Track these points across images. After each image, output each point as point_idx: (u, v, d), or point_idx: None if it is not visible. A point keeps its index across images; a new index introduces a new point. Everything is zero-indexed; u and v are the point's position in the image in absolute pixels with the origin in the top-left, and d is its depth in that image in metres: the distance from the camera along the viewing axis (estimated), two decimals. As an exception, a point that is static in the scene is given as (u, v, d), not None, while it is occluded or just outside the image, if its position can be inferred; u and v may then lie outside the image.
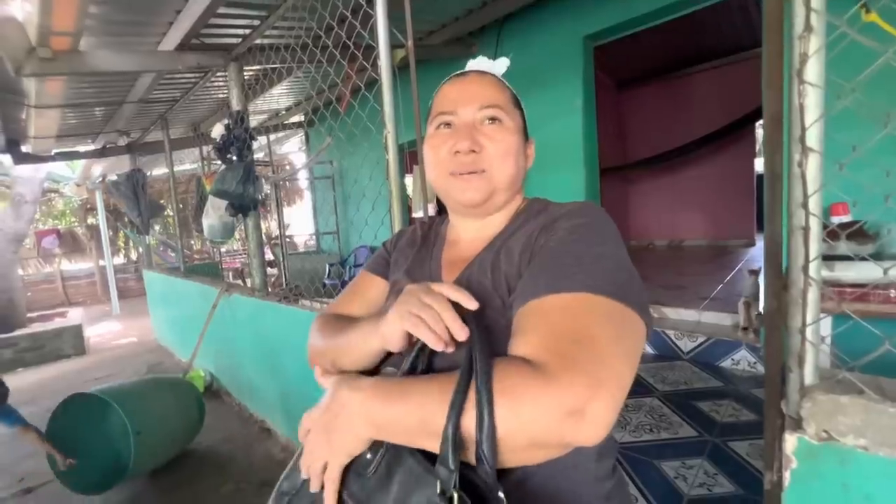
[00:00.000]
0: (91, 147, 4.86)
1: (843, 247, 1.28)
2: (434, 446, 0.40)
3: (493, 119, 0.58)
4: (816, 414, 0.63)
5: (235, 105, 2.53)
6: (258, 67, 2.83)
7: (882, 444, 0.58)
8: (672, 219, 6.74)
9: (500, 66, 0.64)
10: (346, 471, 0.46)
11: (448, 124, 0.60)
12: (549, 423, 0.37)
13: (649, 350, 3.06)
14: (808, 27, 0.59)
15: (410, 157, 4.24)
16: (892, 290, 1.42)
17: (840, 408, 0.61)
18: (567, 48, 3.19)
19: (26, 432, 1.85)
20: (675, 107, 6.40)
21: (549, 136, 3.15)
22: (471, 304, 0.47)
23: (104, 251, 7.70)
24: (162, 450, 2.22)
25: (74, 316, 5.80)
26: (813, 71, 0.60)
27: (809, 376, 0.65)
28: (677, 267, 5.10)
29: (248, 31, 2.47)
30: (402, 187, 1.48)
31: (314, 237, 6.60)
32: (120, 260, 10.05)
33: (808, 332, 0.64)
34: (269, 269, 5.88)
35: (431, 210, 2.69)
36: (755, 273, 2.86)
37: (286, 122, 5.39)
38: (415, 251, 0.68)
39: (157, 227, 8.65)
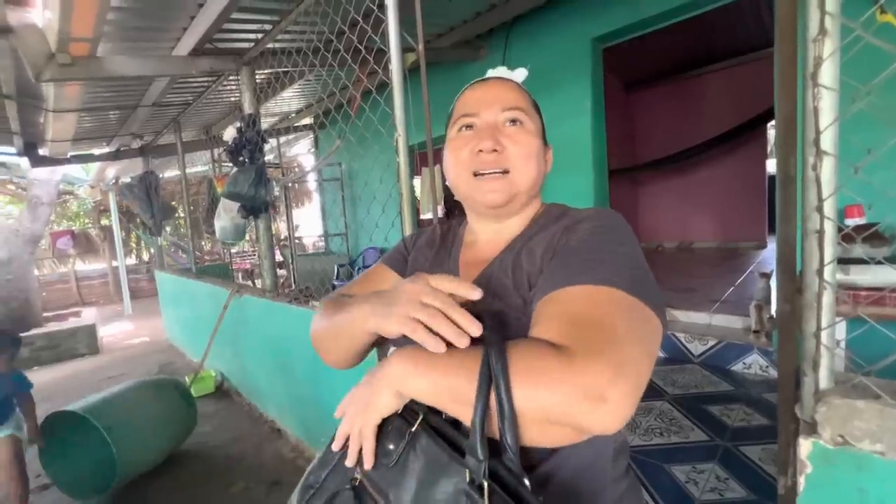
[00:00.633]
0: (105, 150, 4.95)
1: (859, 250, 1.27)
2: (462, 414, 0.42)
3: (514, 121, 0.59)
4: (831, 418, 0.62)
5: (247, 108, 2.56)
6: (270, 71, 2.86)
7: (899, 449, 0.57)
8: (682, 220, 6.68)
9: (520, 75, 0.65)
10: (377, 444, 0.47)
11: (470, 126, 0.61)
12: (567, 402, 0.37)
13: (660, 353, 3.04)
14: (822, 30, 0.59)
15: (420, 158, 4.26)
16: (909, 294, 1.39)
17: (856, 412, 0.60)
18: (575, 50, 3.18)
19: (28, 403, 1.99)
20: (685, 108, 6.35)
21: (558, 138, 3.11)
22: (473, 294, 0.47)
23: (117, 252, 7.83)
24: (146, 451, 2.29)
25: (88, 316, 5.90)
26: (828, 74, 0.60)
27: (824, 380, 0.65)
28: (687, 269, 5.05)
29: (260, 36, 2.50)
30: (412, 189, 1.49)
31: (323, 238, 6.64)
32: (132, 261, 10.21)
33: (823, 335, 0.63)
34: (278, 271, 5.93)
35: (440, 211, 2.70)
36: (766, 276, 2.82)
37: (296, 124, 5.44)
38: (433, 252, 0.69)
39: (168, 229, 8.77)
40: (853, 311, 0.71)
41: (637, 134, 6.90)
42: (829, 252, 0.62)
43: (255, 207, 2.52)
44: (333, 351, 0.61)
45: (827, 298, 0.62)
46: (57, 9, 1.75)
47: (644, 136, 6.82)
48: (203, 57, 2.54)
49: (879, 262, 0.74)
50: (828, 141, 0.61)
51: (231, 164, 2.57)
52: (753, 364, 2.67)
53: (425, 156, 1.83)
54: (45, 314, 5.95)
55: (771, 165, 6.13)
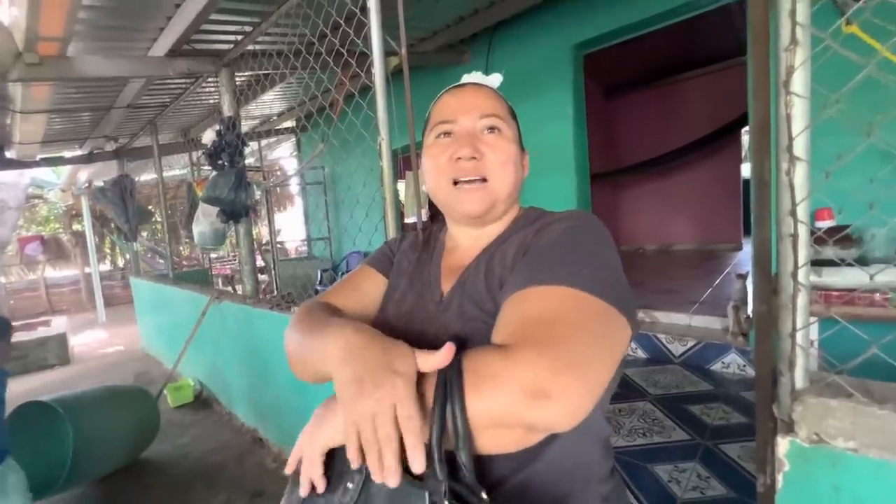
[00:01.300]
0: (78, 152, 4.78)
1: (830, 252, 1.31)
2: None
3: (492, 128, 0.59)
4: (807, 417, 0.64)
5: (227, 111, 2.51)
6: (250, 73, 2.82)
7: (871, 445, 0.59)
8: (661, 224, 6.83)
9: (495, 80, 0.65)
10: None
11: (448, 133, 0.60)
12: (511, 401, 0.37)
13: (641, 354, 3.09)
14: (794, 40, 0.61)
15: (404, 162, 4.25)
16: (878, 294, 1.45)
17: (830, 411, 0.62)
18: (557, 56, 3.23)
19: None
20: (663, 113, 6.51)
21: (540, 143, 3.17)
22: (437, 365, 0.42)
23: (90, 258, 7.56)
24: (107, 442, 2.26)
25: (58, 324, 5.66)
26: (799, 82, 0.62)
27: (800, 380, 0.66)
28: (667, 271, 5.15)
29: (240, 38, 2.46)
30: (396, 193, 1.48)
31: (306, 243, 6.55)
32: (106, 267, 9.87)
33: (799, 336, 0.65)
34: (259, 276, 5.82)
35: (424, 215, 2.69)
36: (743, 277, 2.90)
37: (278, 127, 5.37)
38: (416, 256, 0.69)
39: (144, 234, 8.52)
40: (825, 312, 0.73)
41: (617, 139, 7.04)
42: (803, 254, 0.63)
43: (236, 212, 2.46)
44: (301, 372, 0.60)
45: (801, 300, 0.64)
46: (24, 6, 1.68)
47: (624, 140, 6.96)
48: (181, 58, 2.48)
49: (850, 265, 0.76)
50: (800, 147, 0.62)
51: (209, 167, 2.52)
52: (732, 363, 2.74)
53: (409, 160, 1.82)
54: (12, 323, 5.68)
55: (745, 170, 6.33)
